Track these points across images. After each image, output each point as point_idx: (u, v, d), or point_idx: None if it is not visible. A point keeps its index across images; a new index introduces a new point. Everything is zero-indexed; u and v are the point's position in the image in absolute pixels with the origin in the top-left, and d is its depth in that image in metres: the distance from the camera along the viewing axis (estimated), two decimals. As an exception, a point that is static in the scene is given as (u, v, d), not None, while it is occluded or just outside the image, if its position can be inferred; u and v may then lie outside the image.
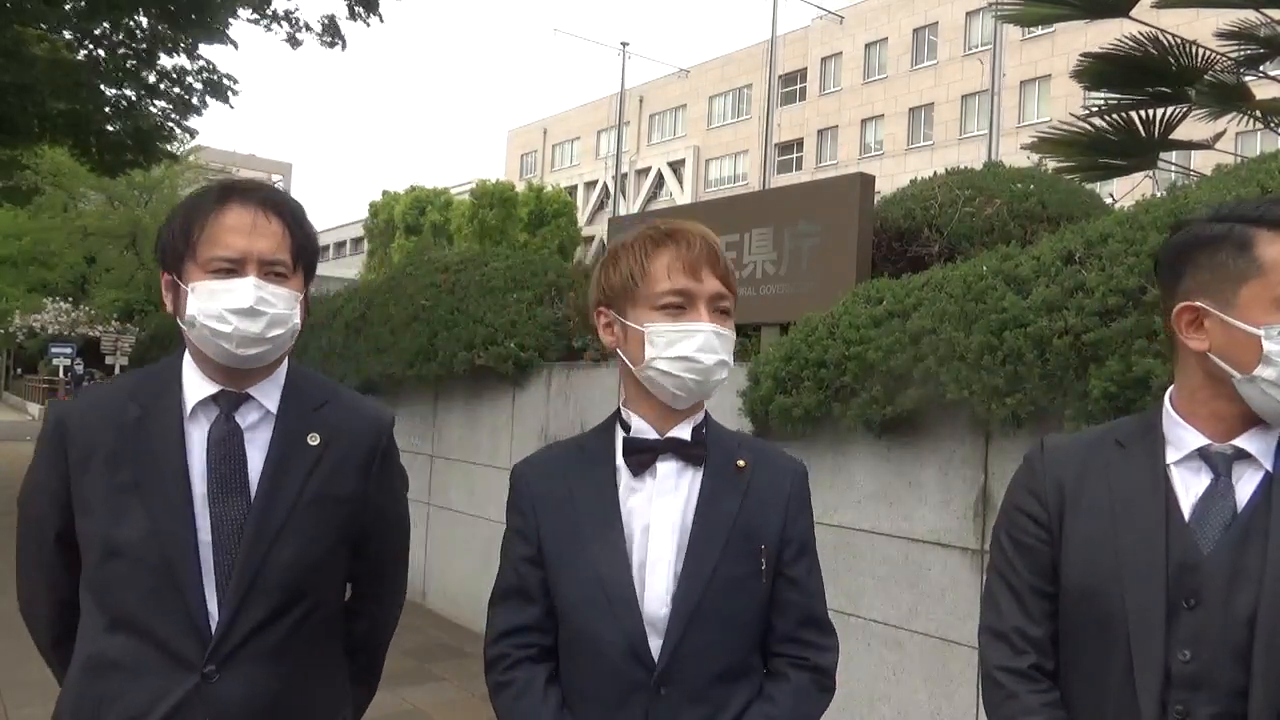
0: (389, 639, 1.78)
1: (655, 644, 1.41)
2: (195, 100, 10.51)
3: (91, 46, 9.96)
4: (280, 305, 1.45)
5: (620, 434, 1.51)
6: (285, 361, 1.57)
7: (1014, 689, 1.38)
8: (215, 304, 1.42)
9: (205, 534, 1.42)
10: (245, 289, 1.42)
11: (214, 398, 1.49)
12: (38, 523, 1.52)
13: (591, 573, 1.44)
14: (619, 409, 1.55)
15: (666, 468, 1.48)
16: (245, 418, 1.49)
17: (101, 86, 10.11)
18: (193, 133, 11.17)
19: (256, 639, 1.43)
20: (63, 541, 1.49)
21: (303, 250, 1.51)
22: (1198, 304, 1.34)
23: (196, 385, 1.49)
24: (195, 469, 1.44)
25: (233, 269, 1.43)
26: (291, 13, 10.24)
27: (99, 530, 1.43)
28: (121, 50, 9.93)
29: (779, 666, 1.48)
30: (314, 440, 1.51)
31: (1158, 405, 1.40)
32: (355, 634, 1.66)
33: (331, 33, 10.53)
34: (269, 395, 1.52)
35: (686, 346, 1.43)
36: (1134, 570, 1.31)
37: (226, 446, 1.46)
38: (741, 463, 1.50)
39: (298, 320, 1.49)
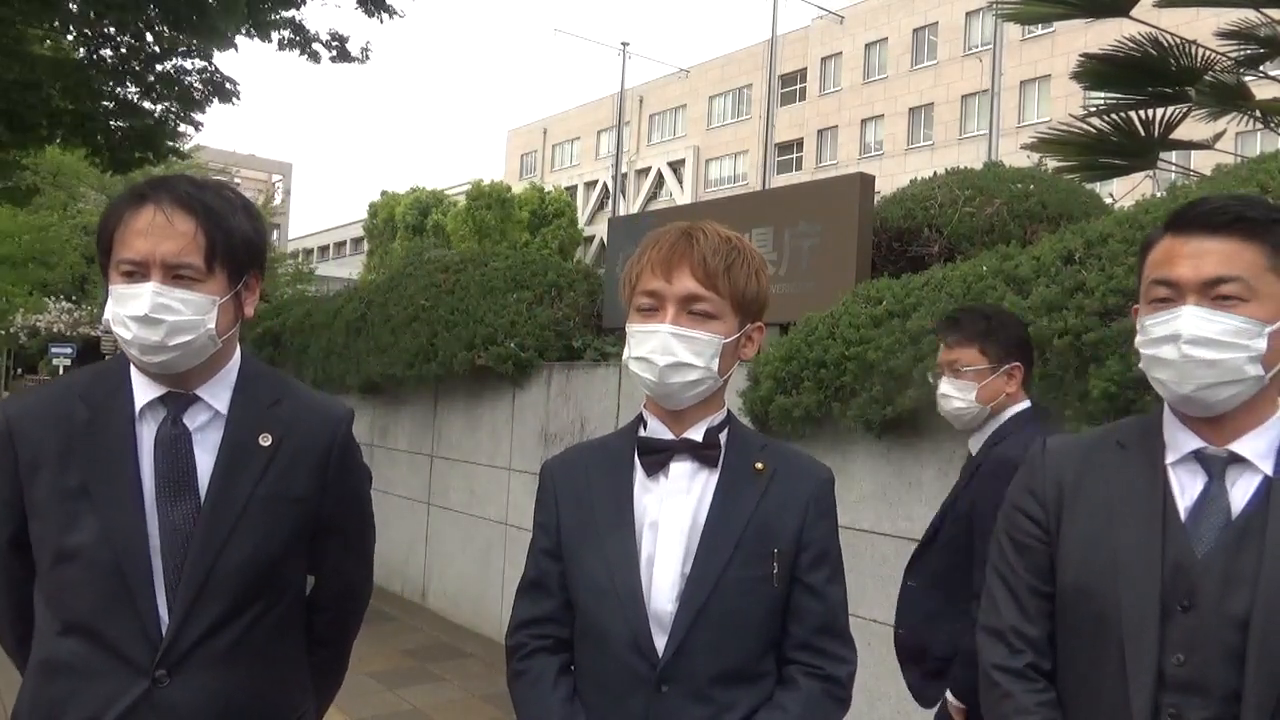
0: (354, 634, 1.77)
1: (660, 640, 1.42)
2: (198, 97, 10.50)
3: (96, 46, 9.97)
4: (187, 311, 1.39)
5: (640, 433, 1.53)
6: (235, 359, 1.53)
7: (1009, 688, 1.38)
8: (120, 309, 1.38)
9: (155, 538, 1.40)
10: (143, 296, 1.36)
11: (161, 399, 1.46)
12: None
13: (601, 566, 1.46)
14: (642, 409, 1.56)
15: (680, 468, 1.49)
16: (194, 419, 1.47)
17: (106, 85, 10.12)
18: (198, 126, 11.12)
19: (208, 643, 1.42)
20: (16, 545, 1.47)
21: (224, 250, 1.42)
22: (1138, 306, 1.39)
23: (143, 386, 1.46)
24: (146, 471, 1.42)
25: (136, 273, 1.38)
26: (306, 33, 10.22)
27: (50, 534, 1.41)
28: (125, 51, 9.93)
29: (791, 674, 1.48)
30: (265, 441, 1.48)
31: (1160, 406, 1.39)
32: (317, 629, 1.65)
33: (341, 55, 10.53)
34: (218, 396, 1.49)
35: (643, 347, 1.44)
36: (1129, 571, 1.30)
37: (172, 449, 1.44)
38: (760, 465, 1.50)
39: (212, 325, 1.42)
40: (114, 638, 1.39)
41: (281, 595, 1.53)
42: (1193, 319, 1.25)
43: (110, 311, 1.40)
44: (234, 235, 1.44)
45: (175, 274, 1.38)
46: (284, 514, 1.49)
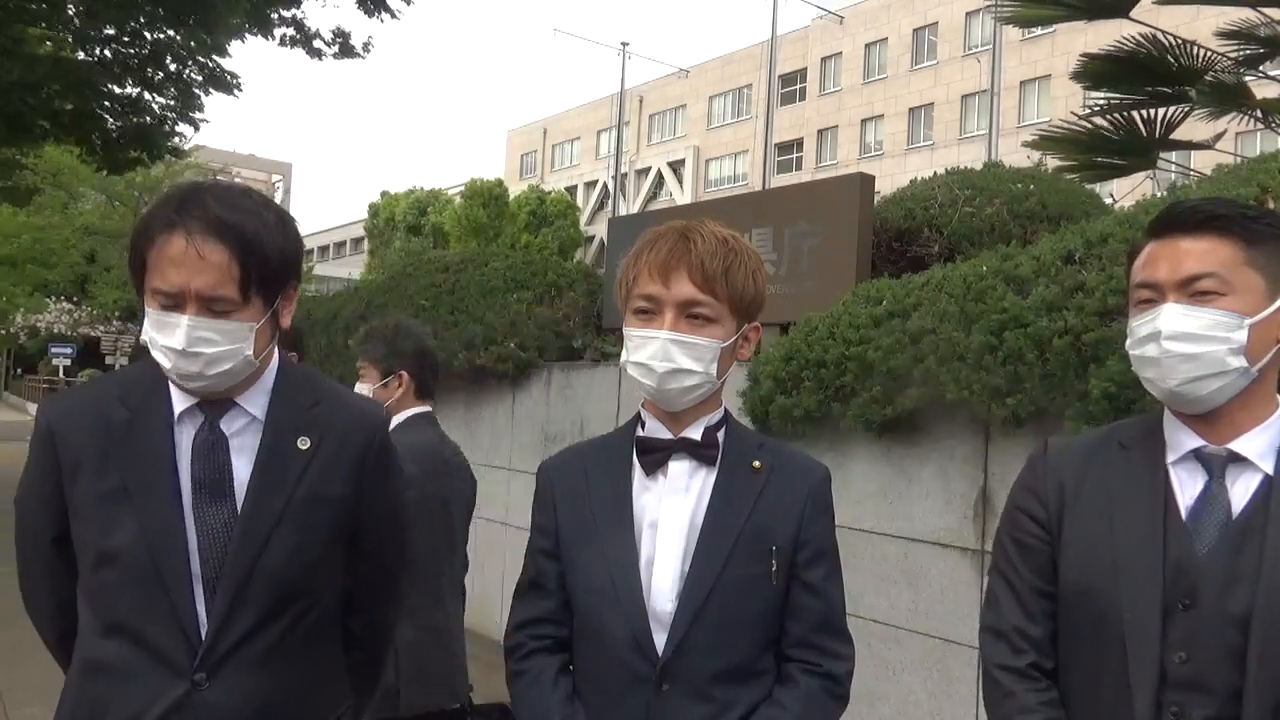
0: (392, 634, 1.78)
1: (660, 639, 1.42)
2: (197, 90, 10.48)
3: (98, 48, 9.96)
4: (224, 341, 1.37)
5: (638, 433, 1.53)
6: (273, 365, 1.53)
7: (1012, 687, 1.38)
8: (157, 337, 1.38)
9: (193, 541, 1.41)
10: (179, 330, 1.35)
11: (198, 405, 1.46)
12: (33, 528, 1.51)
13: (600, 566, 1.46)
14: (640, 409, 1.56)
15: (679, 467, 1.49)
16: (231, 424, 1.47)
17: (107, 85, 10.11)
18: (197, 125, 11.11)
19: (246, 645, 1.42)
20: (60, 545, 1.48)
21: (259, 277, 1.38)
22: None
23: (180, 392, 1.46)
24: (184, 476, 1.43)
25: (172, 304, 1.37)
26: (307, 30, 10.22)
27: (90, 537, 1.42)
28: (127, 51, 9.92)
29: (790, 671, 1.48)
30: (304, 444, 1.48)
31: (1161, 406, 1.40)
32: (354, 630, 1.65)
33: (344, 50, 10.54)
34: (255, 401, 1.49)
35: (642, 353, 1.44)
36: (1130, 570, 1.31)
37: (209, 454, 1.44)
38: (758, 464, 1.50)
39: (249, 351, 1.41)
40: (154, 639, 1.40)
41: (319, 598, 1.53)
42: (1171, 315, 1.28)
43: (148, 335, 1.39)
44: (269, 259, 1.40)
45: (210, 306, 1.36)
46: (322, 516, 1.49)
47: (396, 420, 2.80)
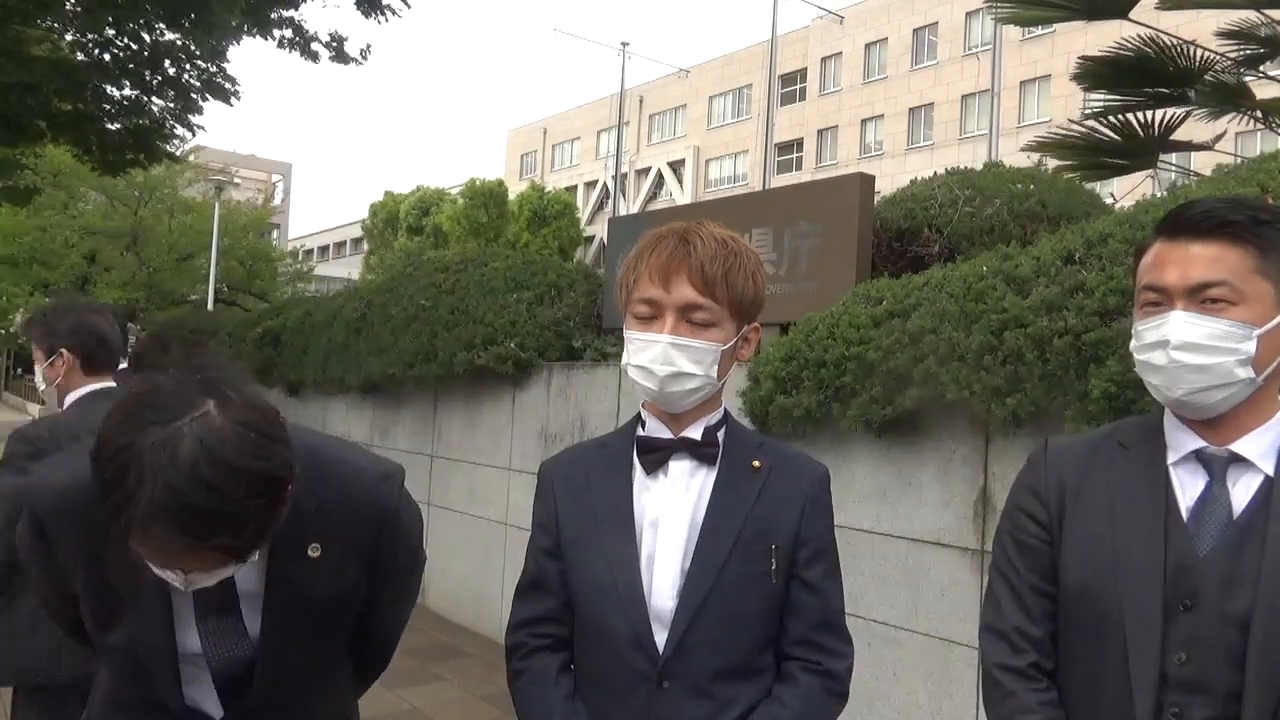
0: (402, 629, 1.78)
1: (661, 637, 1.43)
2: (194, 95, 10.49)
3: (96, 49, 9.96)
4: (230, 570, 1.24)
5: (639, 432, 1.54)
6: None
7: (1012, 687, 1.38)
8: (154, 569, 1.23)
9: (194, 647, 1.38)
10: (176, 580, 1.22)
11: None
12: (41, 579, 1.48)
13: (601, 564, 1.47)
14: (640, 409, 1.57)
15: (679, 466, 1.50)
16: None
17: (106, 87, 10.12)
18: (194, 129, 11.11)
19: (267, 702, 1.44)
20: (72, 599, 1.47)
21: (254, 546, 1.21)
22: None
23: None
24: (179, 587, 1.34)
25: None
26: (305, 33, 10.22)
27: (89, 624, 1.41)
28: (122, 53, 9.92)
29: (790, 669, 1.49)
30: (315, 552, 1.42)
31: (1161, 407, 1.39)
32: (369, 633, 1.65)
33: (340, 55, 10.54)
34: None
35: (643, 356, 1.45)
36: (1131, 571, 1.30)
37: None
38: (758, 463, 1.51)
39: (255, 555, 1.28)
40: (161, 715, 1.42)
41: (338, 647, 1.54)
42: (1180, 324, 1.27)
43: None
44: (261, 532, 1.21)
45: (215, 568, 1.23)
46: (341, 605, 1.48)
47: (70, 399, 2.82)
